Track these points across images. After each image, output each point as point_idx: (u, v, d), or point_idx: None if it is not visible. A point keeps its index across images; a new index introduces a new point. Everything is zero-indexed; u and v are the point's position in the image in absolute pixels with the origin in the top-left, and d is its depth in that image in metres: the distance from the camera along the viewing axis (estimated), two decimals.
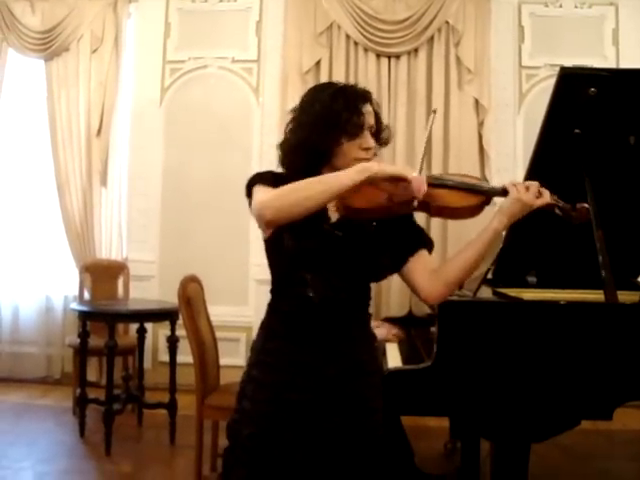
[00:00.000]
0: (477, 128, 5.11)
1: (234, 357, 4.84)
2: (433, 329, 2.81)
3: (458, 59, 5.10)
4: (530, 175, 2.82)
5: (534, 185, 1.80)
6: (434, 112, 2.43)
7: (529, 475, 2.42)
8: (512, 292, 2.88)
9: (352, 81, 5.10)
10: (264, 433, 1.79)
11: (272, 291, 1.90)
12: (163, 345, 4.97)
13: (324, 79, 5.11)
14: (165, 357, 4.80)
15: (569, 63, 3.03)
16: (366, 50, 5.17)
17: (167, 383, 4.17)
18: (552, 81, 4.81)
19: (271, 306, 1.90)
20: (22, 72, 5.66)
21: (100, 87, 5.37)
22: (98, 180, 5.38)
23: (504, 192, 1.82)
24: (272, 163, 5.32)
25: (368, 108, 1.83)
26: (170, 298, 4.33)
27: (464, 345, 2.45)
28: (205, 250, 5.27)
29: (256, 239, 5.12)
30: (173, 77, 5.45)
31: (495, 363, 2.42)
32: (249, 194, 1.83)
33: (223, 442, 3.50)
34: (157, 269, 5.38)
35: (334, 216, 1.83)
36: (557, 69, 4.94)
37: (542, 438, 2.43)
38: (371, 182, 1.68)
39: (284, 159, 1.90)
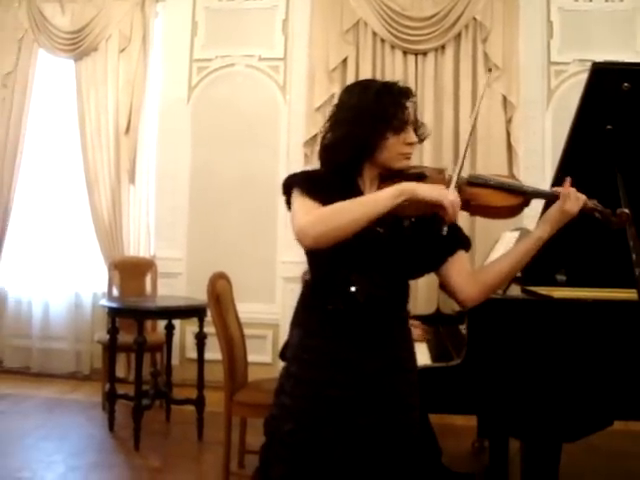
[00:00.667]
0: (505, 125, 5.06)
1: (261, 354, 4.90)
2: (462, 327, 2.80)
3: (486, 56, 5.06)
4: (560, 172, 2.79)
5: (582, 197, 1.83)
6: (490, 70, 2.37)
7: None
8: (542, 290, 2.85)
9: (379, 78, 5.11)
10: (303, 429, 1.79)
11: (312, 289, 1.90)
12: (190, 342, 5.01)
13: (351, 77, 5.12)
14: (192, 354, 4.84)
15: (599, 58, 2.99)
16: (393, 47, 5.16)
17: (194, 379, 4.20)
18: (582, 77, 4.79)
19: (309, 303, 1.90)
20: (52, 72, 5.74)
21: (128, 86, 5.43)
22: (127, 178, 5.43)
23: (551, 197, 1.86)
24: (299, 161, 5.40)
25: (411, 104, 1.85)
26: (197, 295, 4.37)
27: (494, 343, 2.43)
28: (232, 247, 5.29)
29: (283, 237, 5.21)
30: (200, 75, 5.48)
31: (526, 361, 2.40)
32: (286, 193, 1.86)
33: (251, 439, 3.58)
34: (184, 266, 5.42)
35: None
36: (587, 65, 4.88)
37: (574, 438, 2.41)
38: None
39: (324, 156, 1.90)
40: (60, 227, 5.69)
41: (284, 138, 5.34)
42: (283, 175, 5.47)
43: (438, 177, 1.90)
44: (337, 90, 5.14)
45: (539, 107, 5.15)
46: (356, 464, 1.78)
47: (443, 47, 5.13)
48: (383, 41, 5.16)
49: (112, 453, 3.86)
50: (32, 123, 5.68)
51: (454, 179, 1.82)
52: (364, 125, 1.78)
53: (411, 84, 5.09)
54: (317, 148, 5.41)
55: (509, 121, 5.04)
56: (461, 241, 1.92)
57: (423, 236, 1.84)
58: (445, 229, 1.75)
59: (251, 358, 3.58)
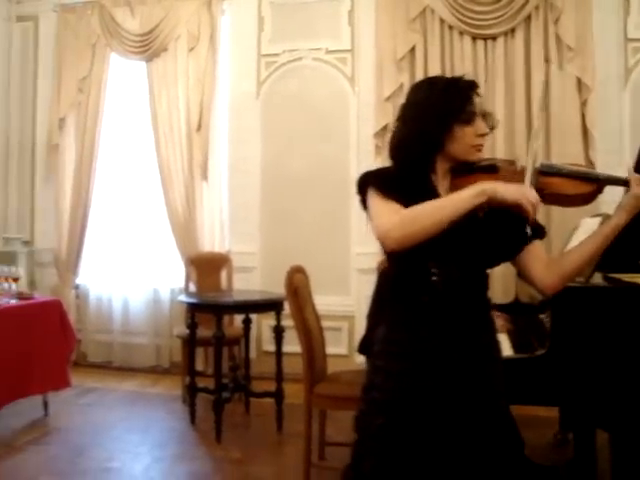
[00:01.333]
0: (580, 108, 4.90)
1: (337, 346, 4.90)
2: (542, 316, 2.74)
3: (558, 37, 4.91)
4: None
5: None
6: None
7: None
8: (625, 277, 2.76)
9: (448, 66, 5.04)
10: (394, 422, 1.80)
11: (393, 282, 1.92)
12: (267, 335, 5.07)
13: (419, 65, 5.07)
14: (268, 347, 4.90)
15: None
16: (461, 33, 5.07)
17: (271, 372, 4.25)
18: None
19: (391, 297, 1.92)
20: (124, 74, 5.90)
21: (198, 84, 5.52)
22: (200, 175, 5.53)
23: (621, 182, 1.84)
24: (370, 152, 5.37)
25: (477, 96, 1.86)
26: (272, 288, 4.43)
27: (579, 332, 2.38)
28: (305, 240, 5.32)
29: (357, 228, 5.20)
30: (269, 70, 5.53)
31: (612, 350, 2.34)
32: (360, 192, 1.89)
33: (330, 431, 3.60)
34: (259, 260, 5.48)
35: None
36: None
37: None
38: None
39: (396, 154, 1.92)
40: (137, 225, 5.86)
41: (354, 130, 5.33)
42: (354, 167, 5.51)
43: (510, 169, 1.92)
44: (406, 80, 5.10)
45: (616, 87, 4.95)
46: (449, 454, 1.78)
47: (513, 30, 5.00)
48: (451, 27, 5.08)
49: (194, 445, 3.94)
50: (107, 125, 5.85)
51: (528, 176, 1.82)
52: (433, 120, 1.82)
53: (481, 70, 5.02)
54: (387, 139, 5.39)
55: (584, 103, 4.88)
56: (536, 230, 1.90)
57: (498, 226, 1.84)
58: (529, 229, 1.78)
59: (327, 350, 3.60)
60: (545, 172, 1.87)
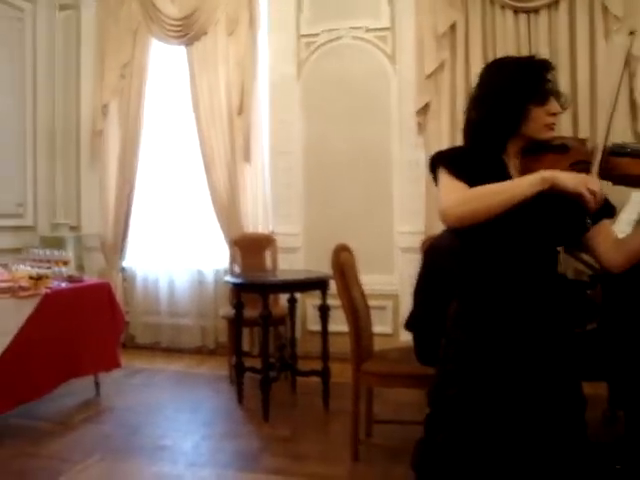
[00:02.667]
0: (627, 81, 4.78)
1: (381, 325, 4.90)
2: (591, 292, 2.70)
3: (604, 6, 4.77)
4: None
5: None
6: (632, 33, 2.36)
7: None
8: None
9: (490, 41, 4.96)
10: (467, 392, 1.87)
11: (465, 259, 1.97)
12: (312, 314, 5.10)
13: (460, 42, 5.00)
14: (314, 326, 4.94)
15: None
16: (502, 7, 4.97)
17: (316, 352, 4.28)
18: None
19: (463, 273, 1.98)
20: (165, 59, 5.94)
21: (238, 67, 5.53)
22: (242, 157, 5.55)
23: None
24: (412, 130, 5.32)
25: (551, 75, 1.89)
26: (316, 268, 4.44)
27: (631, 306, 2.34)
28: (348, 220, 5.32)
29: (400, 207, 5.19)
30: (308, 51, 5.51)
31: None
32: (432, 170, 1.95)
33: (377, 409, 3.62)
34: (302, 241, 5.51)
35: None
36: None
37: None
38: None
39: (470, 135, 1.96)
40: (181, 207, 5.92)
41: (395, 108, 5.29)
42: (396, 146, 5.48)
43: (581, 148, 1.92)
44: (447, 57, 5.04)
45: None
46: (520, 424, 1.82)
47: (557, 2, 4.87)
48: (492, 2, 4.98)
49: (242, 423, 3.99)
50: (150, 110, 5.92)
51: (596, 165, 1.83)
52: (508, 101, 1.85)
53: (524, 45, 4.92)
54: (429, 116, 5.31)
55: (633, 75, 4.75)
56: (606, 210, 1.93)
57: (565, 207, 1.85)
58: (589, 222, 1.80)
59: (373, 329, 3.60)
60: (616, 152, 1.87)
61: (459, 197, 1.80)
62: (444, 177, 1.88)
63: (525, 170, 1.84)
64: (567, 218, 1.88)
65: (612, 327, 2.36)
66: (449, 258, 2.12)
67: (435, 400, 1.96)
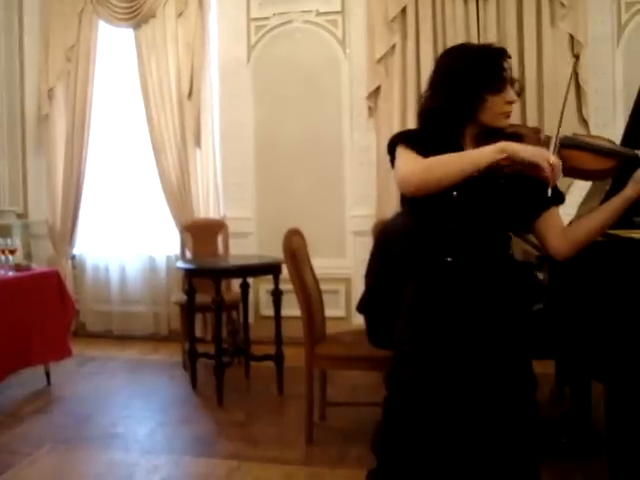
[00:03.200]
0: (572, 66, 4.88)
1: (334, 309, 4.93)
2: (539, 273, 2.77)
3: None
4: (637, 110, 2.70)
5: None
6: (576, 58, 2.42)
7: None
8: (620, 233, 2.79)
9: (440, 26, 4.99)
10: (421, 374, 1.92)
11: (418, 242, 2.00)
12: (264, 299, 5.10)
13: (411, 26, 5.02)
14: (266, 311, 4.94)
15: None
16: None
17: (269, 336, 4.28)
18: None
19: (417, 256, 2.00)
20: (113, 42, 5.82)
21: (188, 50, 5.46)
22: (192, 141, 5.49)
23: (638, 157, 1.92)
24: (363, 114, 5.37)
25: (507, 64, 1.92)
26: (268, 253, 4.44)
27: (576, 286, 2.41)
28: (300, 205, 5.33)
29: (351, 191, 5.21)
30: (259, 34, 5.46)
31: (608, 303, 2.37)
32: (390, 152, 1.98)
33: (331, 391, 3.65)
34: (254, 225, 5.49)
35: None
36: None
37: None
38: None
39: (426, 119, 1.98)
40: (131, 193, 5.84)
41: (346, 92, 5.29)
42: (347, 129, 5.51)
43: (535, 137, 1.98)
44: (397, 41, 5.06)
45: (609, 44, 4.92)
46: (474, 405, 1.88)
47: None
48: None
49: (197, 409, 3.99)
50: (98, 93, 5.80)
51: (553, 142, 1.89)
52: (464, 89, 1.88)
53: (472, 30, 4.97)
54: (380, 100, 5.32)
55: (577, 61, 4.85)
56: (555, 197, 1.96)
57: (518, 192, 1.92)
58: (550, 191, 1.82)
59: (325, 313, 3.63)
60: (567, 145, 1.92)
61: (419, 164, 1.83)
62: (403, 152, 1.91)
63: None
64: (521, 203, 1.93)
65: (558, 307, 2.42)
66: (401, 241, 2.14)
67: (392, 383, 2.00)
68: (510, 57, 1.95)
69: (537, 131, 2.02)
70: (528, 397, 1.95)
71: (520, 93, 1.99)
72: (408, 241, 2.03)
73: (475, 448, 1.88)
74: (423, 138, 1.93)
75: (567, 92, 2.27)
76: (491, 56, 1.90)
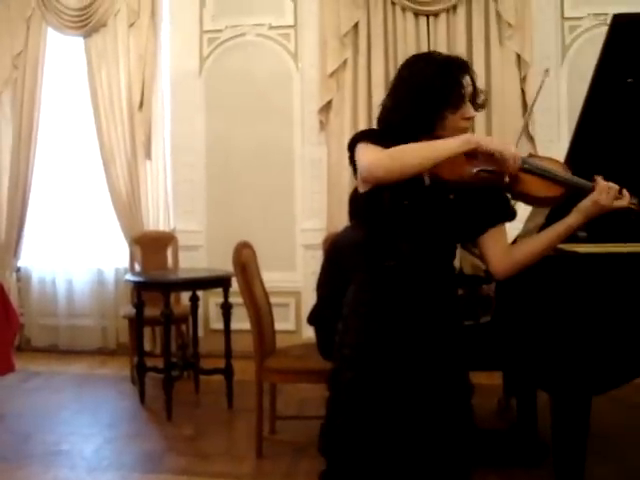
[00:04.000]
0: (519, 84, 5.01)
1: (285, 322, 4.92)
2: (486, 286, 2.81)
3: (498, 14, 4.99)
4: (580, 128, 2.78)
5: (614, 188, 1.92)
6: (547, 72, 2.44)
7: None
8: (564, 247, 2.85)
9: (391, 42, 5.06)
10: (362, 376, 1.92)
11: (364, 248, 2.00)
12: (214, 313, 5.06)
13: (363, 41, 5.09)
14: (216, 325, 4.90)
15: (613, 11, 2.93)
16: (404, 9, 5.09)
17: (219, 350, 4.23)
18: (596, 32, 4.76)
19: (362, 261, 2.01)
20: (62, 50, 5.73)
21: (139, 60, 5.41)
22: (143, 153, 5.43)
23: (587, 189, 1.93)
24: (314, 128, 5.40)
25: (467, 79, 1.92)
26: (218, 266, 4.42)
27: (523, 299, 2.45)
28: (251, 218, 5.31)
29: (302, 204, 5.22)
30: (211, 47, 5.44)
31: (553, 315, 2.42)
32: (351, 149, 1.95)
33: (280, 406, 3.63)
34: (204, 238, 5.45)
35: (427, 179, 1.89)
36: (601, 19, 4.83)
37: (602, 390, 2.44)
38: (470, 153, 1.83)
39: (384, 130, 1.97)
40: (80, 205, 5.73)
41: (298, 106, 5.32)
42: (298, 143, 5.52)
43: (491, 157, 1.96)
44: (349, 55, 5.11)
45: (553, 64, 5.05)
46: (409, 408, 1.89)
47: (455, 7, 5.05)
48: (394, 3, 5.09)
49: (146, 424, 3.92)
50: (45, 103, 5.69)
51: (516, 139, 1.89)
52: (424, 104, 1.87)
53: (423, 47, 5.06)
54: (332, 114, 5.35)
55: (523, 79, 4.99)
56: (506, 214, 2.00)
57: (466, 208, 1.93)
58: (506, 179, 1.86)
59: (275, 326, 3.61)
60: (523, 168, 1.89)
61: (387, 151, 1.82)
62: (364, 146, 1.89)
63: (435, 168, 1.84)
64: (469, 218, 1.95)
65: (505, 319, 2.46)
66: (352, 253, 2.15)
67: (333, 384, 2.01)
68: (472, 70, 1.94)
69: None
70: (462, 402, 1.98)
71: (484, 105, 2.00)
72: (359, 252, 2.03)
73: (411, 447, 1.90)
74: (384, 137, 1.92)
75: (531, 107, 2.31)
76: (451, 72, 1.88)
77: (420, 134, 1.90)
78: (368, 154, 1.86)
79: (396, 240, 1.91)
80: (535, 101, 2.15)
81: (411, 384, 1.90)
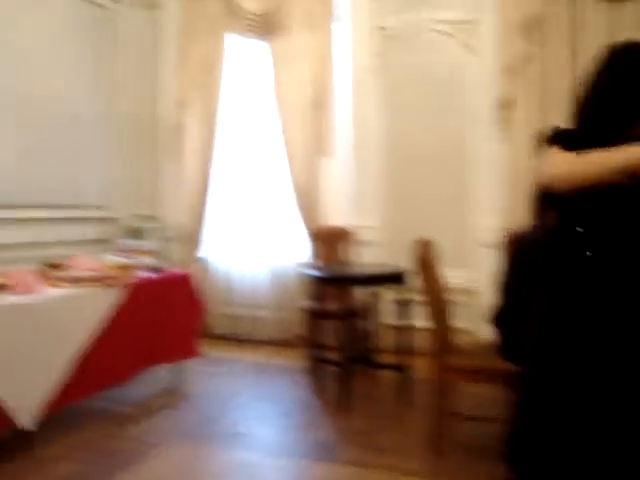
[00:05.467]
0: None
1: (460, 320, 4.80)
2: None
3: None
4: None
5: None
6: None
7: None
8: None
9: (577, 34, 4.76)
10: (566, 380, 1.85)
11: (560, 242, 1.94)
12: (389, 308, 5.06)
13: (547, 34, 4.82)
14: (391, 320, 4.88)
15: None
16: None
17: (394, 345, 4.23)
18: None
19: (558, 255, 1.95)
20: (245, 54, 6.00)
21: (318, 61, 5.54)
22: (323, 151, 5.57)
23: None
24: (492, 124, 5.14)
25: None
26: (394, 262, 4.40)
27: None
28: (428, 214, 5.26)
29: (480, 202, 5.06)
30: (387, 43, 5.44)
31: None
32: (541, 144, 1.93)
33: (457, 403, 3.55)
34: (382, 234, 5.45)
35: None
36: None
37: None
38: None
39: (584, 122, 1.92)
40: (261, 199, 5.97)
41: (475, 101, 5.17)
42: (476, 139, 5.34)
43: None
44: (532, 48, 4.87)
45: None
46: (616, 406, 1.80)
47: None
48: None
49: (319, 415, 4.00)
50: (229, 105, 5.99)
51: None
52: (630, 99, 1.82)
53: (614, 38, 4.68)
54: (513, 111, 5.12)
55: None
56: None
57: None
58: None
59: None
60: None
61: (569, 164, 1.78)
62: (554, 153, 1.85)
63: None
64: None
65: None
66: (539, 252, 2.06)
67: (526, 388, 1.96)
68: None
69: None
70: None
71: None
72: (550, 248, 1.94)
73: (622, 450, 1.78)
74: (580, 140, 1.86)
75: None
76: None
77: (622, 128, 1.83)
78: (555, 164, 1.82)
79: (592, 230, 1.85)
80: None
81: (613, 381, 1.80)
